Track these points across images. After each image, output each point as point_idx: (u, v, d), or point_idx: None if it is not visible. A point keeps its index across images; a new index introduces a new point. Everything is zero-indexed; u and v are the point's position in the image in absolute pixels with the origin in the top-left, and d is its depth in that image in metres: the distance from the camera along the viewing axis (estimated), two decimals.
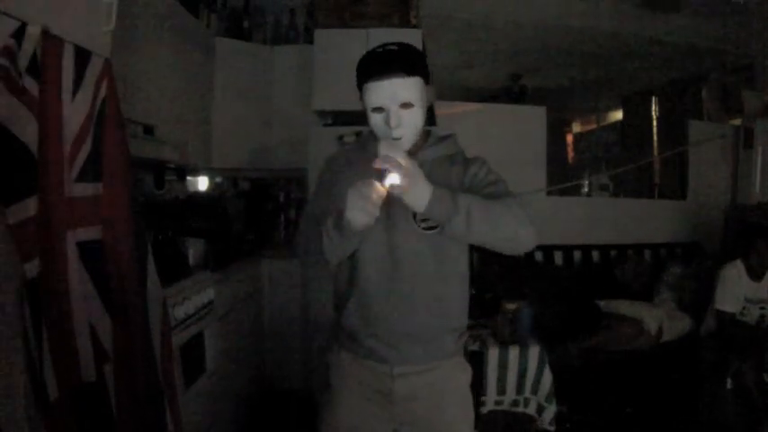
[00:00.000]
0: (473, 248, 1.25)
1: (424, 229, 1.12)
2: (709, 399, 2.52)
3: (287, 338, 2.99)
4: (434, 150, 1.19)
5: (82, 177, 1.22)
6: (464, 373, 1.27)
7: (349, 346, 1.22)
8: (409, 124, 1.09)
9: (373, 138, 1.17)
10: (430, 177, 1.11)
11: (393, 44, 1.10)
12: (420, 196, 0.96)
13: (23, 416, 1.07)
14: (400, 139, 1.09)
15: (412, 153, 1.14)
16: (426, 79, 1.12)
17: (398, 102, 1.07)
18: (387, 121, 1.08)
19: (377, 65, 1.07)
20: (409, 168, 0.94)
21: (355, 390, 1.21)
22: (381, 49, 1.10)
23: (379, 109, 1.08)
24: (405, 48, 1.10)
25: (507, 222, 1.02)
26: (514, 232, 1.03)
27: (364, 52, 1.13)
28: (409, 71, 1.07)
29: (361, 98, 1.12)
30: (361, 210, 0.93)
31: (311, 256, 1.14)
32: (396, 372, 1.17)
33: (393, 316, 1.15)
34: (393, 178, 0.93)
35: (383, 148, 0.96)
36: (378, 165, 0.93)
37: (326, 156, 1.30)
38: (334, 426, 1.22)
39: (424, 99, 1.11)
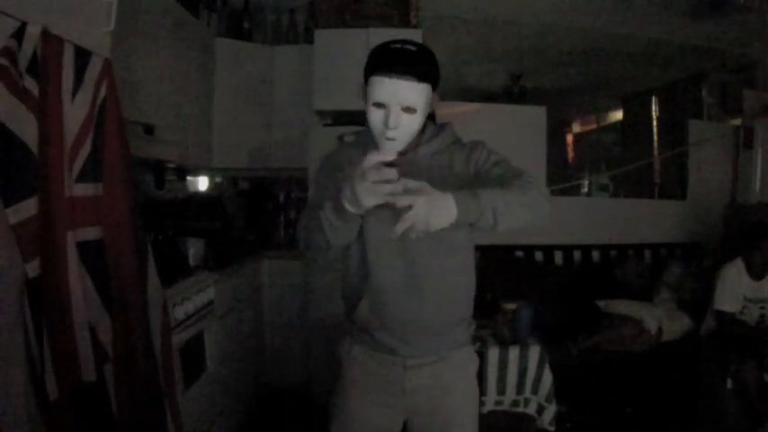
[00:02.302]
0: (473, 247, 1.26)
1: None
2: (709, 399, 2.51)
3: (287, 338, 2.99)
4: (432, 145, 1.18)
5: (82, 177, 1.23)
6: (472, 363, 1.30)
7: (361, 340, 1.23)
8: (406, 128, 1.07)
9: (369, 135, 1.15)
10: (431, 170, 1.09)
11: (413, 44, 1.07)
12: (447, 211, 0.93)
13: (23, 416, 1.07)
14: (394, 140, 1.07)
15: (407, 151, 1.14)
16: (435, 87, 1.10)
17: (402, 104, 1.04)
18: (385, 120, 1.05)
19: (392, 61, 1.04)
20: (424, 194, 0.91)
21: (367, 382, 1.22)
22: (400, 46, 1.06)
23: (380, 105, 1.05)
24: (423, 52, 1.07)
25: (527, 204, 1.03)
26: (533, 211, 1.05)
27: (371, 48, 1.10)
28: (422, 77, 1.05)
29: (365, 88, 1.09)
30: (368, 190, 0.92)
31: (313, 248, 1.14)
32: (408, 364, 1.19)
33: (405, 310, 1.16)
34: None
35: (369, 163, 0.92)
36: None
37: (323, 154, 1.29)
38: (346, 418, 1.23)
39: (427, 106, 1.09)
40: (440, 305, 1.17)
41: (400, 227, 0.91)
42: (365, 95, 1.10)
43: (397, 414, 1.23)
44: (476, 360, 1.31)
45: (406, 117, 1.06)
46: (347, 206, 0.97)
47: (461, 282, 1.22)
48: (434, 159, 1.17)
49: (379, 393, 1.21)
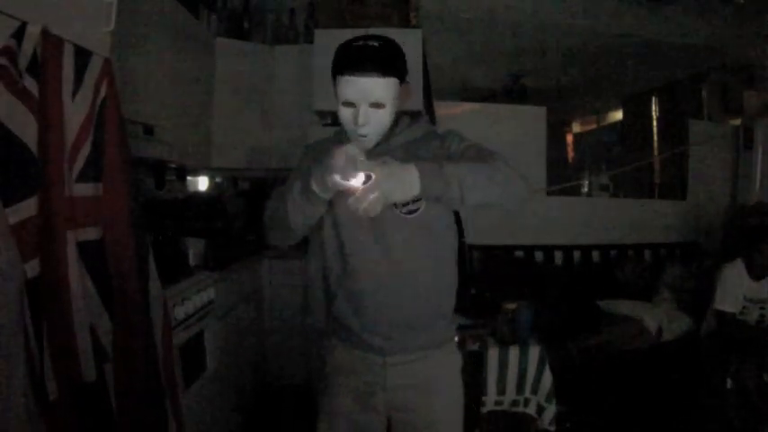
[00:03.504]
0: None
1: (405, 213, 1.11)
2: (709, 399, 2.51)
3: (287, 338, 2.99)
4: (404, 135, 1.18)
5: (82, 177, 1.23)
6: (455, 361, 1.28)
7: (341, 335, 1.23)
8: (376, 124, 1.08)
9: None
10: (404, 161, 1.09)
11: (374, 39, 1.07)
12: (409, 183, 0.94)
13: (23, 416, 1.07)
14: (366, 136, 1.09)
15: (380, 142, 1.14)
16: (402, 79, 1.10)
17: (369, 100, 1.05)
18: (355, 118, 1.07)
19: (354, 60, 1.05)
20: (381, 172, 0.93)
21: (348, 379, 1.22)
22: (361, 43, 1.07)
23: (349, 104, 1.07)
24: (384, 46, 1.07)
25: (497, 181, 1.02)
26: (505, 189, 1.03)
27: (336, 47, 1.11)
28: (386, 72, 1.05)
29: (334, 87, 1.11)
30: (338, 173, 0.94)
31: (274, 228, 1.15)
32: (388, 361, 1.18)
33: (384, 305, 1.15)
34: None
35: (348, 150, 0.95)
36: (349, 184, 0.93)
37: (307, 143, 1.31)
38: (331, 415, 1.23)
39: (396, 99, 1.10)
40: (419, 297, 1.16)
41: (362, 195, 0.91)
42: (335, 93, 1.11)
43: (379, 412, 1.22)
44: (459, 358, 1.29)
45: (374, 113, 1.07)
46: (314, 185, 1.00)
47: (442, 274, 1.20)
48: (408, 150, 1.16)
49: (360, 391, 1.21)
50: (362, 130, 1.08)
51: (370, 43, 1.06)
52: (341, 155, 0.94)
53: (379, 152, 1.13)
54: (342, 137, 1.19)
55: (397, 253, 1.14)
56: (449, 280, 1.23)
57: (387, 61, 1.06)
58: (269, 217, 1.17)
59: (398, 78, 1.08)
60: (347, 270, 1.16)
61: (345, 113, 1.09)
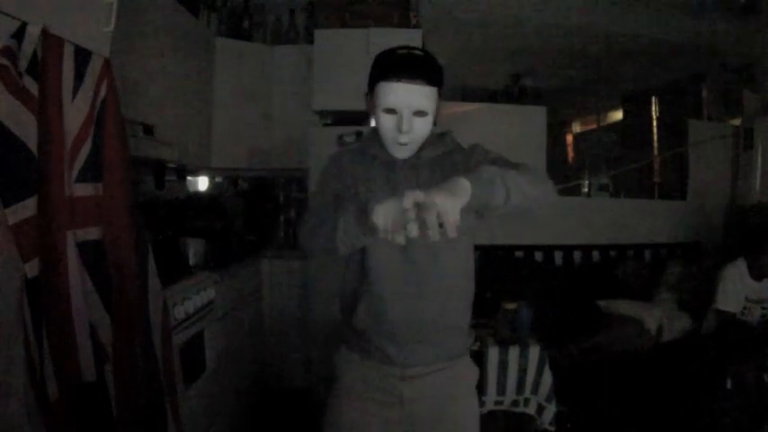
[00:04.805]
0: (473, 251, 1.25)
1: None
2: (709, 399, 2.51)
3: (287, 338, 3.00)
4: (433, 149, 1.18)
5: (82, 177, 1.23)
6: (471, 373, 1.28)
7: (359, 347, 1.20)
8: (418, 132, 1.08)
9: (374, 139, 1.16)
10: (432, 175, 1.10)
11: (417, 49, 1.09)
12: (463, 190, 0.87)
13: (23, 416, 1.07)
14: (407, 144, 1.09)
15: (413, 155, 1.14)
16: (440, 90, 1.11)
17: (414, 108, 1.06)
18: (398, 126, 1.06)
19: (402, 67, 1.05)
20: (438, 193, 0.84)
21: (363, 392, 1.20)
22: (407, 51, 1.07)
23: (391, 110, 1.06)
24: (429, 56, 1.10)
25: (532, 181, 1.01)
26: (541, 189, 1.02)
27: (375, 56, 1.10)
28: (431, 81, 1.06)
29: (370, 94, 1.10)
30: (387, 223, 0.88)
31: (317, 246, 1.11)
32: (406, 374, 1.17)
33: (406, 318, 1.14)
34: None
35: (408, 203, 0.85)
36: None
37: (329, 154, 1.27)
38: (341, 428, 1.21)
39: (435, 109, 1.10)
40: (439, 309, 1.15)
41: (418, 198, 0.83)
42: (370, 102, 1.11)
43: (395, 426, 1.20)
44: (475, 369, 1.29)
45: (417, 121, 1.07)
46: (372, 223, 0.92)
47: (461, 286, 1.21)
48: (435, 164, 1.16)
49: (376, 404, 1.19)
50: (404, 138, 1.07)
51: (415, 52, 1.08)
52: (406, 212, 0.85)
53: (407, 164, 1.13)
54: (369, 145, 1.19)
55: (422, 266, 1.13)
56: (469, 293, 1.23)
57: (432, 70, 1.07)
58: (309, 242, 1.12)
59: (439, 89, 1.10)
60: (370, 281, 1.15)
61: (387, 120, 1.08)
